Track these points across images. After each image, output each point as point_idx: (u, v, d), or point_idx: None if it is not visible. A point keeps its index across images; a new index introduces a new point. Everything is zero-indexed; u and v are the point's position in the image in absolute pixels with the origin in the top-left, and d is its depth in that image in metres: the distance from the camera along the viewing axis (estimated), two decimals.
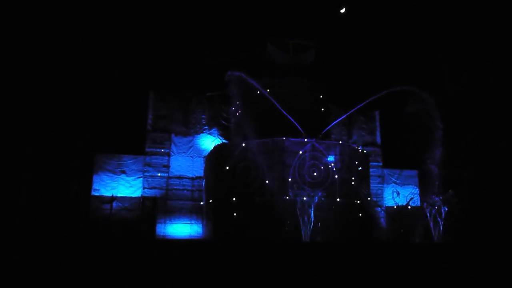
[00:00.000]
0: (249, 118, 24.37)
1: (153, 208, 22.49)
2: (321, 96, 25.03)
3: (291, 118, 21.49)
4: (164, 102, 25.50)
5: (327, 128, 22.77)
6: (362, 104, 22.93)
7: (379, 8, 28.44)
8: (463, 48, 27.56)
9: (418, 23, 28.22)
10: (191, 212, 24.07)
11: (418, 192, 26.90)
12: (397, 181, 27.86)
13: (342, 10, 27.17)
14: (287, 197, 19.15)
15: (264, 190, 19.80)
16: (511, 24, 25.53)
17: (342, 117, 23.55)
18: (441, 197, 20.96)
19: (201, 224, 23.86)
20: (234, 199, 20.09)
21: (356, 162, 21.62)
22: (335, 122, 23.22)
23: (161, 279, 10.19)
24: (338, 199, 19.91)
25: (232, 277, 10.47)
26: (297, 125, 21.43)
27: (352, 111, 23.51)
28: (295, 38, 25.96)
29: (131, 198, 22.71)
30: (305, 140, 20.58)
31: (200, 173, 24.84)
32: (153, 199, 23.00)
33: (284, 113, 21.58)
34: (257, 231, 18.75)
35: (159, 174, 24.41)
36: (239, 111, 25.15)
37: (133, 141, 25.06)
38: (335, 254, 13.84)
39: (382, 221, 25.51)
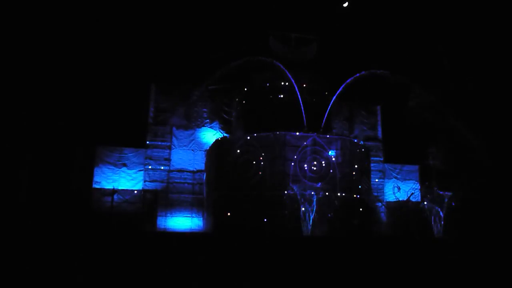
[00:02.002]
0: (251, 111, 24.42)
1: (154, 201, 22.58)
2: (324, 91, 24.98)
3: (303, 112, 21.55)
4: (165, 95, 25.49)
5: (324, 121, 22.67)
6: (341, 89, 22.87)
7: (381, 2, 28.28)
8: (466, 42, 27.44)
9: (421, 17, 28.08)
10: (192, 205, 24.13)
11: (419, 187, 26.91)
12: (398, 176, 27.87)
13: (345, 4, 27.03)
14: (288, 191, 19.17)
15: (265, 184, 19.82)
16: None
17: (329, 107, 23.25)
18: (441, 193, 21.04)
19: (201, 218, 23.93)
20: (235, 192, 20.11)
21: (357, 157, 21.62)
22: (326, 114, 23.02)
23: (161, 272, 10.22)
24: (339, 194, 19.92)
25: (232, 271, 10.50)
26: (304, 118, 21.48)
27: (334, 97, 23.30)
28: (297, 31, 25.86)
29: (132, 191, 22.78)
30: (306, 134, 20.55)
31: (201, 166, 24.87)
32: (154, 192, 23.07)
33: (302, 106, 21.63)
34: (257, 225, 18.81)
35: (162, 168, 24.46)
36: (241, 105, 25.17)
37: (135, 134, 25.06)
38: (335, 248, 13.87)
39: (383, 216, 25.55)
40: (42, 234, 13.96)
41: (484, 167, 22.12)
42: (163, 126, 25.08)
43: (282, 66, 22.39)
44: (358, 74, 22.69)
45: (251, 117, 24.26)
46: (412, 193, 25.15)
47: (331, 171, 20.14)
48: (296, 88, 22.10)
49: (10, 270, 9.51)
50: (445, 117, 22.46)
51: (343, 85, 22.97)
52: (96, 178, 23.52)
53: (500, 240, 17.15)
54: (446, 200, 21.62)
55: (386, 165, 27.99)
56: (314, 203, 18.50)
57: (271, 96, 23.93)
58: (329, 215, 18.83)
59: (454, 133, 22.78)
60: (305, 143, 20.15)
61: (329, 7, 27.92)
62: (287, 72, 22.32)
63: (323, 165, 20.15)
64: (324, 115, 23.17)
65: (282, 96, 23.63)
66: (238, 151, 20.64)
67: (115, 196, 21.71)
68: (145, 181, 24.09)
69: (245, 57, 23.24)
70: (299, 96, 22.07)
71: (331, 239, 17.70)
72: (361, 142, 24.99)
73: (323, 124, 22.54)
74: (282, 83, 23.72)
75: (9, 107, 22.37)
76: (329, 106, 22.99)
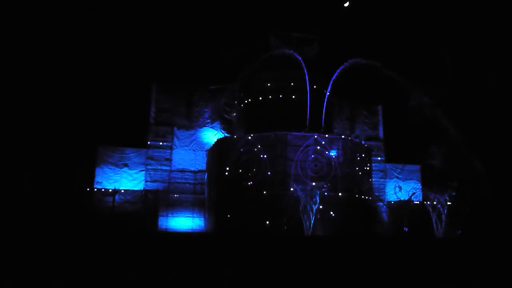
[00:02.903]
0: (252, 111, 24.43)
1: (155, 201, 22.57)
2: (324, 90, 24.99)
3: (308, 113, 21.60)
4: (167, 95, 25.50)
5: (324, 121, 22.64)
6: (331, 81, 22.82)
7: (382, 1, 28.26)
8: (467, 42, 27.39)
9: (422, 15, 28.06)
10: (193, 205, 24.14)
11: (421, 187, 26.88)
12: (400, 176, 27.86)
13: (346, 4, 26.99)
14: (289, 191, 19.16)
15: (266, 184, 19.81)
16: None
17: (324, 104, 23.12)
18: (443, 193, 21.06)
19: (203, 218, 23.93)
20: (236, 192, 20.11)
21: (359, 157, 21.60)
22: (324, 112, 22.94)
23: (163, 272, 10.22)
24: (340, 193, 19.90)
25: (233, 271, 10.50)
26: (307, 118, 21.51)
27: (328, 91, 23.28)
28: (298, 31, 25.84)
29: (133, 191, 22.81)
30: (308, 134, 20.55)
31: (202, 166, 24.88)
32: (155, 192, 23.07)
33: (308, 106, 21.64)
34: (259, 225, 18.81)
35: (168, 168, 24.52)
36: (242, 105, 25.16)
37: (136, 134, 25.11)
38: (336, 248, 13.86)
39: (384, 215, 25.53)
40: (43, 234, 13.96)
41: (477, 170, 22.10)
42: (164, 126, 25.09)
43: (301, 61, 22.35)
44: (346, 63, 22.58)
45: (252, 117, 24.27)
46: (414, 193, 25.13)
47: (333, 171, 20.12)
48: (308, 86, 22.11)
49: (11, 270, 9.52)
50: (443, 118, 22.44)
51: (334, 76, 22.85)
52: (97, 178, 23.56)
53: (501, 239, 17.12)
54: (447, 199, 21.59)
55: (387, 165, 27.98)
56: (315, 203, 18.48)
57: (272, 96, 23.93)
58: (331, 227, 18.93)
59: (451, 133, 22.77)
60: (306, 142, 20.13)
61: (330, 6, 27.90)
62: (305, 70, 22.32)
63: (325, 165, 20.13)
64: (326, 114, 23.15)
65: (284, 95, 23.63)
66: (239, 151, 20.63)
67: (117, 196, 21.73)
68: (146, 181, 24.11)
69: (247, 56, 23.30)
70: (308, 96, 22.08)
71: (332, 239, 17.68)
72: (363, 142, 25.00)
73: (324, 123, 22.51)
74: (284, 83, 23.76)
75: (10, 107, 22.41)
76: (325, 103, 22.89)
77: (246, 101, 25.07)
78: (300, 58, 22.41)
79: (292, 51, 22.78)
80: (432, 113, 22.61)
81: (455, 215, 21.34)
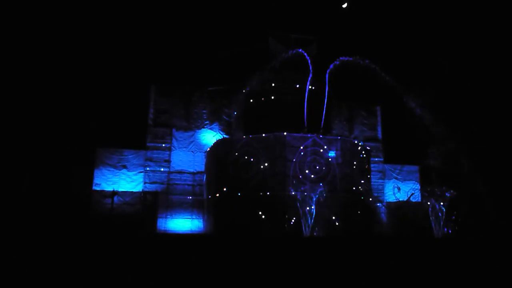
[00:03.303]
0: (251, 112, 24.44)
1: (154, 203, 22.54)
2: (321, 90, 24.99)
3: (306, 114, 21.62)
4: (165, 96, 25.49)
5: (323, 122, 22.62)
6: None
7: (381, 1, 28.31)
8: (465, 43, 27.45)
9: (420, 16, 28.11)
10: (192, 206, 24.10)
11: (419, 187, 26.90)
12: (398, 177, 27.86)
13: (344, 5, 27.02)
14: (288, 192, 19.16)
15: (265, 185, 19.81)
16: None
17: (325, 105, 23.07)
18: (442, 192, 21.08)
19: (202, 219, 23.91)
20: (235, 194, 20.10)
21: (357, 157, 21.61)
22: (324, 113, 22.92)
23: (162, 274, 10.21)
24: (339, 194, 19.89)
25: (232, 272, 10.49)
26: (305, 120, 21.52)
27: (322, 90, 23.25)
28: (296, 32, 25.86)
29: (132, 192, 22.77)
30: (307, 135, 20.56)
31: (201, 168, 24.86)
32: (154, 194, 23.04)
33: (306, 107, 21.64)
34: (258, 226, 18.80)
35: (161, 169, 24.46)
36: (241, 106, 25.18)
37: (135, 136, 25.07)
38: (335, 249, 13.85)
39: (383, 216, 25.53)
40: (42, 236, 13.94)
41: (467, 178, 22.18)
42: (163, 128, 25.08)
43: (308, 61, 22.38)
44: (337, 62, 22.59)
45: (251, 118, 24.27)
46: (412, 194, 25.15)
47: (331, 171, 20.12)
48: (307, 88, 22.14)
49: (11, 272, 9.50)
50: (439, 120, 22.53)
51: (327, 73, 22.83)
52: (96, 180, 23.51)
53: (500, 239, 17.13)
54: (446, 199, 21.61)
55: (386, 166, 27.99)
56: (314, 203, 18.48)
57: (271, 97, 23.95)
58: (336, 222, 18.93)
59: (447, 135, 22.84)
60: (305, 144, 20.14)
61: (328, 7, 27.93)
62: (310, 69, 22.34)
63: (323, 165, 20.14)
64: (324, 115, 23.14)
65: (282, 97, 23.64)
66: (238, 152, 20.63)
67: (115, 198, 21.69)
68: (145, 182, 24.08)
69: (246, 57, 23.30)
70: (306, 97, 22.11)
71: (331, 239, 17.68)
72: (361, 143, 25.00)
73: (322, 124, 22.53)
74: (282, 84, 23.78)
75: (9, 109, 22.38)
76: (325, 104, 22.89)
77: (244, 102, 25.07)
78: (308, 58, 22.44)
79: (302, 50, 22.79)
80: (430, 114, 22.67)
81: (453, 215, 21.37)
